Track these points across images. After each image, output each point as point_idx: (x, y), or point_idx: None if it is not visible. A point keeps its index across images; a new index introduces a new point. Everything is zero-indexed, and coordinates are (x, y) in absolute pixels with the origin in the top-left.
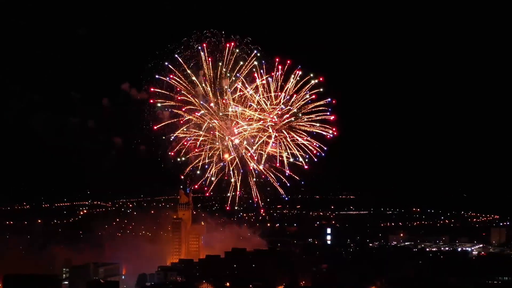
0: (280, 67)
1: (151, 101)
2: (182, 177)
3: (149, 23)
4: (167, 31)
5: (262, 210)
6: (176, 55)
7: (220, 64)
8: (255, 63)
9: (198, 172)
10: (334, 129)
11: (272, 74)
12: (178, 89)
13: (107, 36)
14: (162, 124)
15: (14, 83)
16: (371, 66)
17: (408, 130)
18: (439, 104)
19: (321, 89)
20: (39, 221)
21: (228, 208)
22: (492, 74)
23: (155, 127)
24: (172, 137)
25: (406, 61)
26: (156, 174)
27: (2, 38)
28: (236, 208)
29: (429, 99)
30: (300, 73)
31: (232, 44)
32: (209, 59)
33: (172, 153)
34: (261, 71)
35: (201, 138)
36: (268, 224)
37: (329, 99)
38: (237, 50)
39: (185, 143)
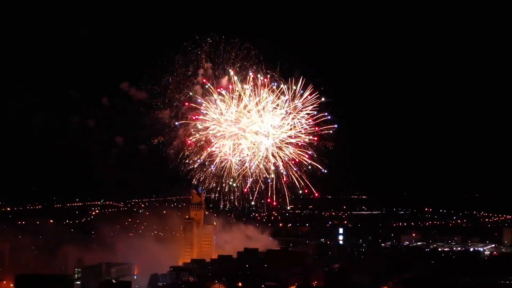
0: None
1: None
2: (193, 179)
3: (148, 22)
4: (166, 30)
5: (273, 212)
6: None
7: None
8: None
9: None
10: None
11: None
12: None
13: (106, 35)
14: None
15: (15, 83)
16: (379, 64)
17: (420, 130)
18: (452, 104)
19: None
20: (51, 221)
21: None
22: (503, 73)
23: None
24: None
25: (415, 60)
26: (164, 174)
27: (2, 38)
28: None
29: (442, 98)
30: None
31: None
32: (207, 64)
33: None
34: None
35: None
36: (281, 224)
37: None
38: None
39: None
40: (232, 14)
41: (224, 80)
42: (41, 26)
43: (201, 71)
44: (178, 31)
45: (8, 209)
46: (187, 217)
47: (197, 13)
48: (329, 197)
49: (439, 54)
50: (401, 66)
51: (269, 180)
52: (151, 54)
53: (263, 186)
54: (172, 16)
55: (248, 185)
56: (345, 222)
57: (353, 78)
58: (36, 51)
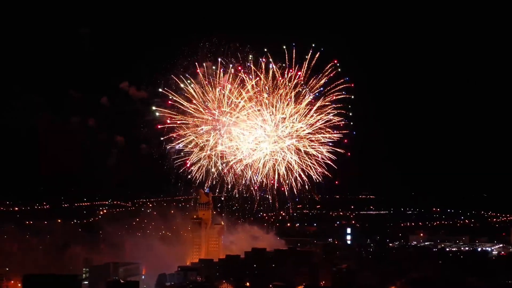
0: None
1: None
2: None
3: (148, 22)
4: (166, 28)
5: (281, 212)
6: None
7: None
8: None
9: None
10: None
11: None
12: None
13: (106, 35)
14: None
15: (17, 83)
16: (389, 63)
17: (428, 130)
18: (460, 104)
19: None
20: (59, 221)
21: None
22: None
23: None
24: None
25: (427, 60)
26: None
27: (2, 38)
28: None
29: (450, 98)
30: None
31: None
32: (207, 63)
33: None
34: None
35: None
36: (288, 224)
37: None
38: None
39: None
40: (234, 15)
41: (225, 79)
42: (41, 26)
43: (201, 70)
44: (178, 31)
45: (16, 209)
46: (195, 217)
47: (197, 13)
48: (337, 196)
49: (451, 58)
50: (410, 66)
51: (267, 194)
52: (152, 54)
53: (268, 195)
54: (172, 15)
55: (251, 189)
56: (353, 222)
57: (357, 77)
58: (36, 51)
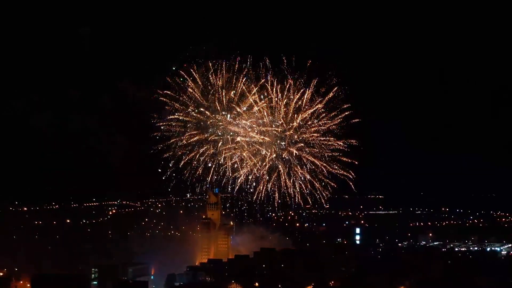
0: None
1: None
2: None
3: (148, 21)
4: (166, 28)
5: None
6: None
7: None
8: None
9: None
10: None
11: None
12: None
13: (106, 34)
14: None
15: (17, 83)
16: (393, 60)
17: (436, 130)
18: (468, 104)
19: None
20: (68, 221)
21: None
22: None
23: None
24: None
25: (433, 57)
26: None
27: (2, 38)
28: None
29: (458, 99)
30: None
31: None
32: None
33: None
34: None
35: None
36: (297, 224)
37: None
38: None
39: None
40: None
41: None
42: (41, 26)
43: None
44: (178, 31)
45: (25, 209)
46: (204, 217)
47: (197, 13)
48: (346, 196)
49: (453, 57)
50: (416, 65)
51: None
52: (152, 54)
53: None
54: (172, 15)
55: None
56: (362, 222)
57: (363, 74)
58: (36, 51)
